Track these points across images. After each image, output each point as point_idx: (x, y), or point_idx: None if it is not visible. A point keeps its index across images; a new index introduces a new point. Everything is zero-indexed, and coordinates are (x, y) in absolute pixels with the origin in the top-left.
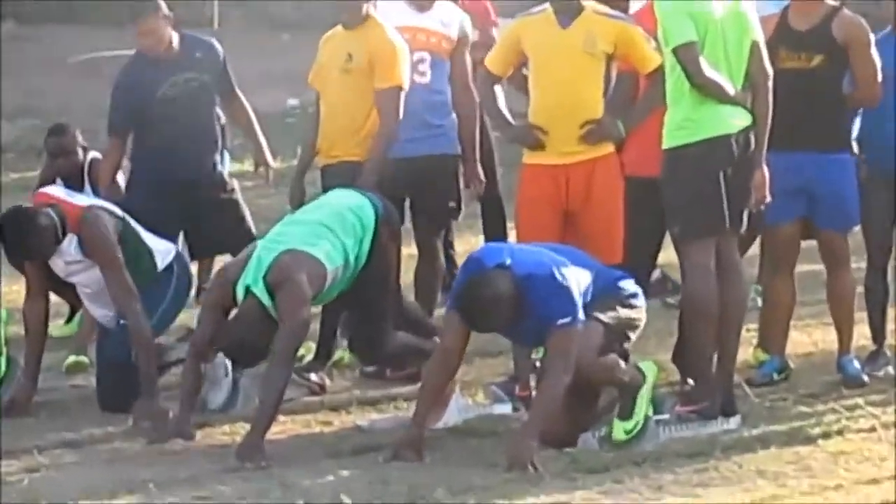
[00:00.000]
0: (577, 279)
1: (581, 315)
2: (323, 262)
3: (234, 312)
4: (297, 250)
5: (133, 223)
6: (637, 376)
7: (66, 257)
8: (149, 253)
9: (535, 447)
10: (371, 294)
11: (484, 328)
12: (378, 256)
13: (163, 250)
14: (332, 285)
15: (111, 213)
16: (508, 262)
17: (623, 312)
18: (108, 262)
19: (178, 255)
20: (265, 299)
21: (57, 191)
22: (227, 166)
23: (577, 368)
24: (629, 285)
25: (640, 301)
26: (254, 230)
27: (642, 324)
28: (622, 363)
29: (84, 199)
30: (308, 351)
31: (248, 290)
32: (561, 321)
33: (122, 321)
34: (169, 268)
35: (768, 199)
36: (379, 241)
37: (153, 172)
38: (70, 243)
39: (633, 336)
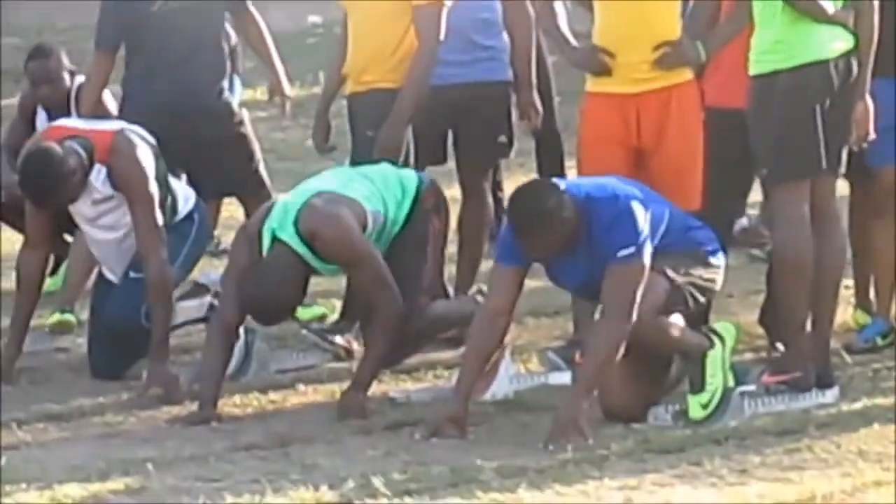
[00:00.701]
0: (646, 211)
1: (649, 248)
2: (360, 202)
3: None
4: (328, 191)
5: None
6: (702, 341)
7: (95, 195)
8: (172, 197)
9: (585, 407)
10: (404, 263)
11: (535, 248)
12: (418, 222)
13: (184, 195)
14: (372, 233)
15: (143, 138)
16: (563, 186)
17: (696, 272)
18: (142, 197)
19: (199, 202)
20: (296, 245)
21: (73, 122)
22: (236, 94)
23: (632, 329)
24: (708, 239)
25: (719, 260)
26: (263, 170)
27: (717, 287)
28: (683, 327)
29: (111, 124)
30: (331, 310)
31: (274, 239)
32: (622, 252)
33: (131, 274)
34: (189, 216)
35: (872, 135)
36: (420, 208)
37: (147, 99)
38: (98, 176)
39: (703, 299)
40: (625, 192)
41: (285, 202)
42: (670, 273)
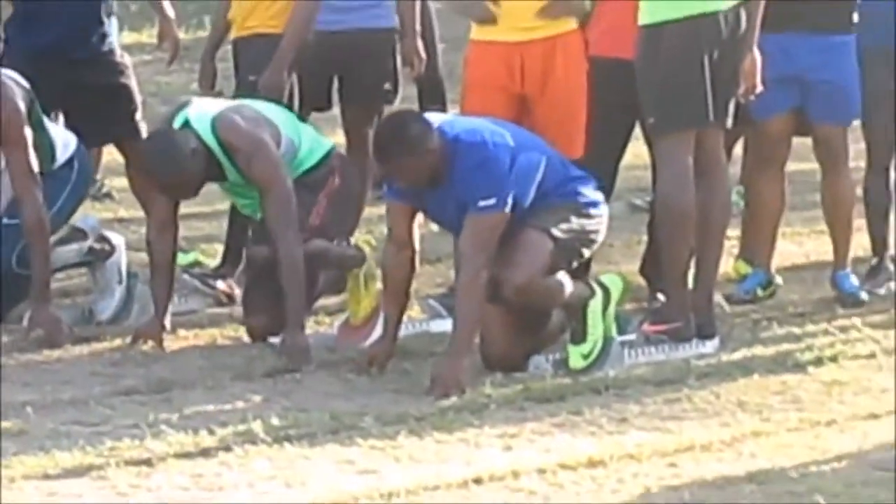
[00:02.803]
0: (518, 161)
1: (509, 201)
2: (277, 126)
3: None
4: (247, 107)
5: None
6: (582, 291)
7: None
8: (49, 142)
9: (464, 364)
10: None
11: (394, 172)
12: (321, 170)
13: (63, 141)
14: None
15: (17, 82)
16: (435, 121)
17: (578, 223)
18: (14, 139)
19: (80, 148)
20: (208, 138)
21: None
22: (114, 35)
23: (519, 291)
24: (589, 190)
25: (601, 210)
26: (140, 117)
27: (600, 238)
28: (569, 284)
29: None
30: (205, 254)
31: (186, 125)
32: (483, 202)
33: (5, 220)
34: (69, 161)
35: (759, 88)
36: (327, 163)
37: (26, 44)
38: None
39: (586, 252)
40: (495, 139)
41: (202, 102)
42: (553, 231)
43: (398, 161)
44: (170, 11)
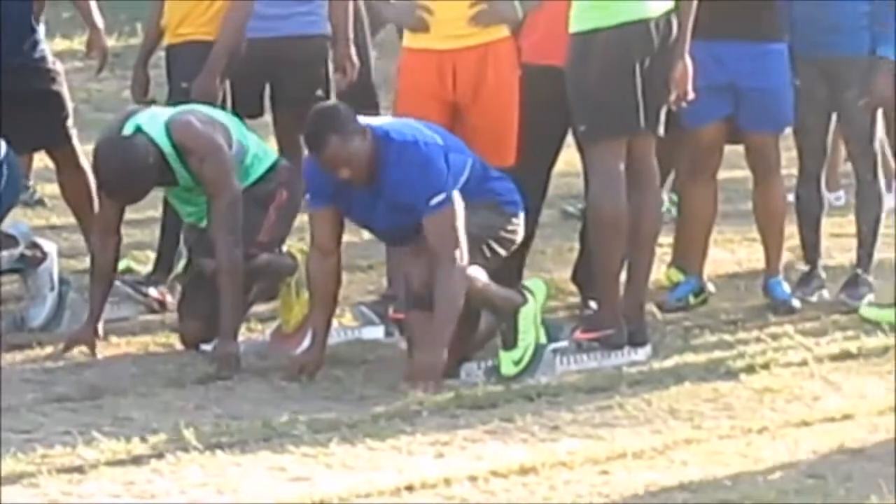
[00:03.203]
0: (450, 160)
1: (456, 195)
2: (229, 128)
3: None
4: (200, 111)
5: None
6: (514, 297)
7: None
8: None
9: (443, 358)
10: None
11: (324, 159)
12: (268, 183)
13: None
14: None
15: None
16: (365, 121)
17: (493, 220)
18: None
19: (9, 154)
20: (162, 141)
21: None
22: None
23: (428, 288)
24: (507, 191)
25: (518, 211)
26: (71, 124)
27: (518, 239)
28: (482, 275)
29: None
30: (136, 261)
31: (138, 131)
32: (434, 200)
33: None
34: None
35: (690, 95)
36: (274, 175)
37: None
38: None
39: (503, 252)
40: (426, 139)
41: (154, 109)
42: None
43: (329, 141)
44: (98, 20)
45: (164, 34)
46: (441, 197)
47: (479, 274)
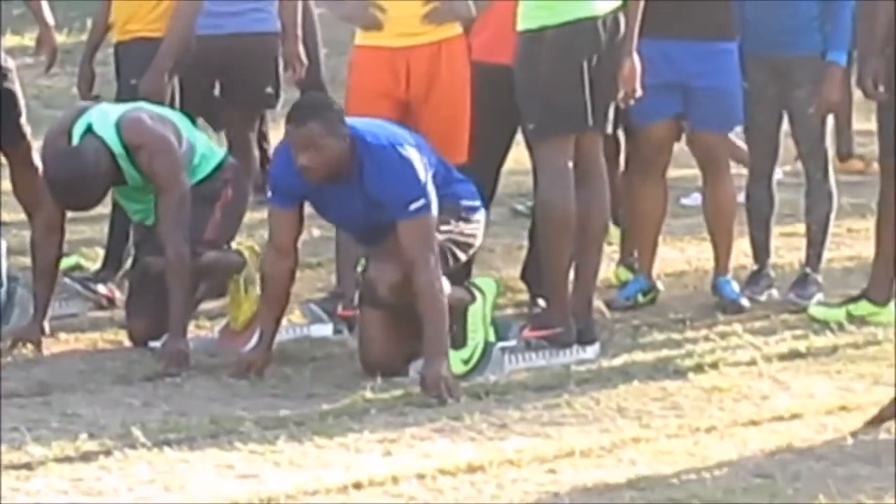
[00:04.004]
0: (422, 159)
1: (433, 195)
2: (179, 127)
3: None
4: (150, 109)
5: None
6: (463, 296)
7: None
8: None
9: (445, 366)
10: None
11: (309, 144)
12: (215, 181)
13: None
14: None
15: None
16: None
17: (456, 229)
18: None
19: None
20: (112, 142)
21: None
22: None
23: (392, 289)
24: (469, 194)
25: (479, 216)
26: (25, 121)
27: (477, 242)
28: (445, 284)
29: None
30: (85, 258)
31: (88, 132)
32: (413, 206)
33: None
34: None
35: (639, 93)
36: (220, 174)
37: None
38: None
39: (463, 256)
40: (399, 139)
41: (104, 107)
42: None
43: (309, 124)
44: (49, 17)
45: (110, 30)
46: (420, 202)
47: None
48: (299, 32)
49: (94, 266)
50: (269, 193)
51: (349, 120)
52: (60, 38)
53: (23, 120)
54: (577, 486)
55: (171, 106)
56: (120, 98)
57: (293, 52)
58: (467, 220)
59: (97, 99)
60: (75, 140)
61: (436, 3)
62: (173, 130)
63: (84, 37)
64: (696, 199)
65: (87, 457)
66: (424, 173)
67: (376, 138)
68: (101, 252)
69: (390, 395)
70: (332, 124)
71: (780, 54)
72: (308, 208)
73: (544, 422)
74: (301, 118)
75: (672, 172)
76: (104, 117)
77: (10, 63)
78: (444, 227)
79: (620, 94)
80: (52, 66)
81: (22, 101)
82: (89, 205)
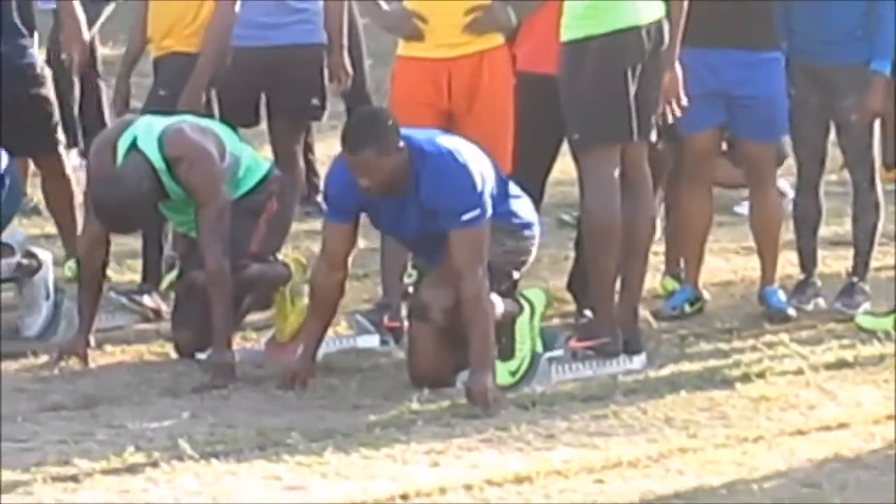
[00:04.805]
0: (481, 169)
1: (489, 205)
2: (223, 140)
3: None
4: (194, 122)
5: None
6: (512, 307)
7: None
8: None
9: (490, 379)
10: (235, 225)
11: (363, 169)
12: (260, 194)
13: None
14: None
15: None
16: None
17: (511, 246)
18: None
19: (11, 165)
20: (154, 158)
21: None
22: (35, 48)
23: (447, 314)
24: (524, 209)
25: (534, 231)
26: (60, 132)
27: (531, 258)
28: (499, 304)
29: None
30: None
31: (132, 147)
32: (467, 216)
33: None
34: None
35: (684, 101)
36: (265, 187)
37: None
38: None
39: (517, 274)
40: (457, 147)
41: (150, 119)
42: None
43: (364, 151)
44: (80, 15)
45: (146, 46)
46: (475, 213)
47: (495, 299)
48: (345, 43)
49: (121, 277)
50: (325, 207)
51: (406, 131)
52: (104, 50)
53: (57, 129)
54: (625, 497)
55: (211, 118)
56: (148, 108)
57: (339, 62)
58: (522, 238)
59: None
60: (120, 154)
61: (477, 14)
62: (216, 142)
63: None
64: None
65: (134, 469)
66: (481, 182)
67: (434, 146)
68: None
69: (437, 406)
70: (386, 144)
71: (823, 63)
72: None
73: (591, 432)
74: (355, 146)
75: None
76: (148, 130)
77: (46, 71)
78: (497, 248)
79: (661, 108)
80: (82, 67)
81: (57, 111)
82: (135, 229)
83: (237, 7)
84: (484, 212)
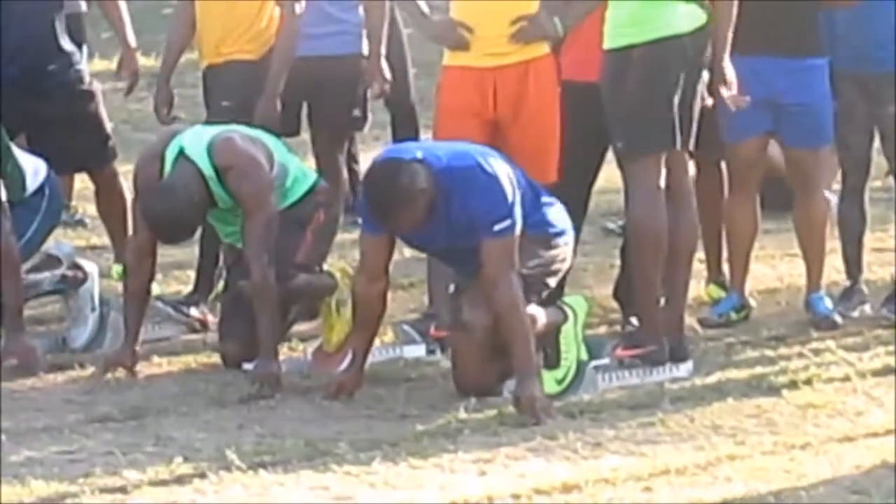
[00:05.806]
0: (510, 177)
1: (519, 214)
2: (272, 150)
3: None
4: (242, 131)
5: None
6: (557, 316)
7: None
8: (19, 170)
9: (538, 387)
10: (282, 236)
11: (397, 225)
12: (307, 205)
13: (33, 169)
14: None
15: None
16: (420, 155)
17: (546, 256)
18: None
19: (50, 175)
20: (204, 165)
21: None
22: (84, 63)
23: (489, 331)
24: (558, 218)
25: (568, 238)
26: (111, 144)
27: (567, 266)
28: (541, 315)
29: None
30: (178, 282)
31: (180, 156)
32: (498, 226)
33: None
34: (39, 189)
35: (743, 101)
36: (312, 197)
37: None
38: None
39: (553, 283)
40: (485, 157)
41: (197, 128)
42: (521, 270)
43: (395, 214)
44: (131, 40)
45: (183, 50)
46: (506, 223)
47: (535, 311)
48: (383, 50)
49: (167, 289)
50: (361, 220)
51: (430, 149)
52: (148, 61)
53: (108, 142)
54: None
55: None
56: (211, 121)
57: (375, 68)
58: (556, 247)
59: (175, 120)
60: (168, 164)
61: (522, 23)
62: (265, 153)
63: None
64: None
65: (181, 480)
66: (512, 190)
67: (460, 161)
68: (191, 275)
69: (484, 415)
70: (411, 194)
71: (868, 71)
72: None
73: (639, 440)
74: (383, 214)
75: None
76: (197, 139)
77: (96, 86)
78: (532, 262)
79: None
80: (134, 89)
81: (107, 125)
82: (185, 238)
83: (299, 8)
84: (514, 221)
